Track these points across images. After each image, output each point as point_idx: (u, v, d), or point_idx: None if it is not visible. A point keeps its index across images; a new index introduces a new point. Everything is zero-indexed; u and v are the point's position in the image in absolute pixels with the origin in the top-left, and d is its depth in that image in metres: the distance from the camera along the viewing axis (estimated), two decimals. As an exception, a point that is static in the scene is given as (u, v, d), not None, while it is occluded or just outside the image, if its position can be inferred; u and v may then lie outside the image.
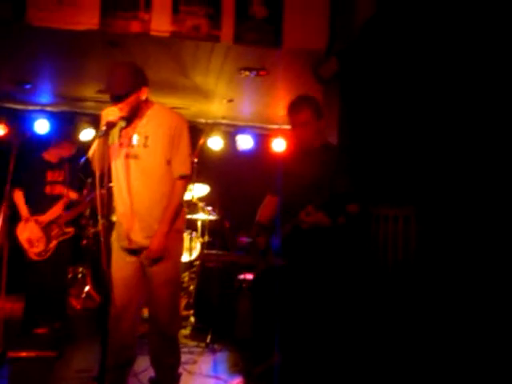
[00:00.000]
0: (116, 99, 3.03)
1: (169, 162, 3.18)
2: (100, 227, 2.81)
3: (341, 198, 2.96)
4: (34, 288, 4.87)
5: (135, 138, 3.15)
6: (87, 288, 6.03)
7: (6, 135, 6.86)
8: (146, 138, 3.13)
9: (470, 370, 2.92)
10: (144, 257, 3.18)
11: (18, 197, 4.85)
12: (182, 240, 3.45)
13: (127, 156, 3.15)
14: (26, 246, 4.78)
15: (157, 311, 3.28)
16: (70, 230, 5.04)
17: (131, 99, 3.04)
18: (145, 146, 3.13)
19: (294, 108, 3.23)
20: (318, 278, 3.11)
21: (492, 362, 2.81)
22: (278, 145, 7.32)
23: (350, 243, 3.25)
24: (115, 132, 3.13)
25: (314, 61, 4.39)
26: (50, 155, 5.06)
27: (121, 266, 3.22)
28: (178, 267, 3.43)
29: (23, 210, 4.85)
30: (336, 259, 3.13)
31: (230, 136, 7.43)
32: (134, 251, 3.23)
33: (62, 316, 5.03)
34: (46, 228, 4.86)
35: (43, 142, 5.28)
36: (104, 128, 2.94)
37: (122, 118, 3.07)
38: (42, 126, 6.83)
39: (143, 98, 3.11)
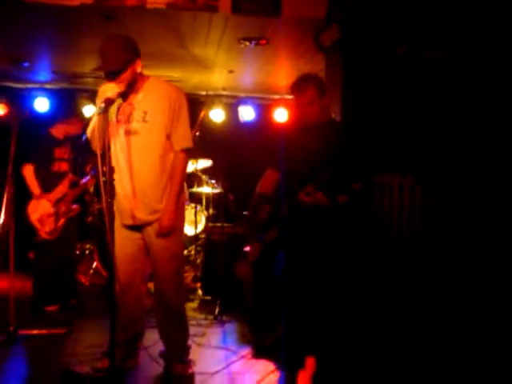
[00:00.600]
0: (111, 75, 2.98)
1: (168, 137, 3.15)
2: (104, 205, 2.78)
3: (345, 176, 2.93)
4: (43, 266, 4.89)
5: (134, 114, 3.10)
6: (95, 264, 6.07)
7: (5, 114, 6.83)
8: (145, 112, 3.09)
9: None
10: (149, 233, 3.18)
11: (29, 172, 4.77)
12: (183, 213, 3.45)
13: (126, 132, 3.11)
14: (37, 225, 4.73)
15: (162, 286, 3.30)
16: (76, 207, 5.03)
17: (127, 73, 2.98)
18: (144, 121, 3.09)
19: (298, 87, 3.17)
20: (318, 257, 3.10)
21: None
22: (280, 115, 7.28)
23: (352, 221, 3.22)
24: (112, 109, 3.09)
25: (315, 29, 4.31)
26: (57, 131, 4.96)
27: (124, 242, 3.22)
28: (182, 241, 3.44)
29: (34, 186, 4.77)
30: (336, 238, 3.11)
31: (232, 107, 7.38)
32: (137, 227, 3.23)
33: (73, 293, 5.08)
34: (55, 205, 4.83)
35: (50, 118, 5.20)
36: (103, 105, 2.88)
37: (120, 94, 3.01)
38: (41, 104, 6.81)
39: (138, 71, 3.06)
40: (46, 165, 4.86)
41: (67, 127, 5.00)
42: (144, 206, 3.16)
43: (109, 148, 2.95)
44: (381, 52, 4.04)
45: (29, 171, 4.79)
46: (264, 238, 3.25)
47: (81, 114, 6.16)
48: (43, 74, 6.55)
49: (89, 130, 3.14)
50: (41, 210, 4.76)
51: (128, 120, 3.10)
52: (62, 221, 4.86)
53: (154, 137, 3.11)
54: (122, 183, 3.15)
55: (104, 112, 2.88)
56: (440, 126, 3.79)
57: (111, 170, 2.88)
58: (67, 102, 6.82)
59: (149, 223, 3.19)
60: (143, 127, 3.09)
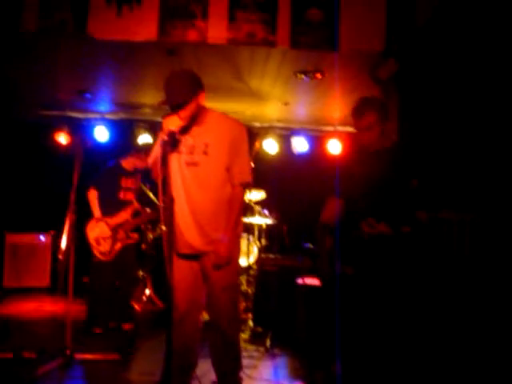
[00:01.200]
0: (175, 108, 3.06)
1: (228, 169, 3.19)
2: (162, 233, 2.84)
3: (409, 204, 2.88)
4: (97, 288, 5.05)
5: (195, 146, 3.17)
6: (148, 291, 6.15)
7: (68, 144, 7.11)
8: (206, 145, 3.15)
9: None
10: (206, 263, 3.21)
11: (93, 196, 5.07)
12: (239, 244, 3.48)
13: (187, 163, 3.18)
14: (93, 243, 4.98)
15: (217, 316, 3.30)
16: (135, 235, 5.22)
17: (190, 106, 3.06)
18: (205, 153, 3.15)
19: (357, 111, 3.13)
20: (381, 287, 3.04)
21: None
22: (334, 146, 7.26)
23: (417, 252, 3.14)
24: (175, 139, 3.17)
25: (371, 62, 4.33)
26: (127, 163, 5.24)
27: (182, 271, 3.26)
28: (237, 272, 3.45)
29: (96, 209, 5.06)
30: (400, 268, 3.05)
31: (285, 139, 7.42)
32: (194, 257, 3.27)
33: (128, 318, 5.18)
34: (114, 230, 5.04)
35: (110, 147, 5.44)
36: (165, 137, 2.98)
37: (182, 126, 3.10)
38: (101, 134, 7.05)
39: (201, 104, 3.14)
40: (112, 192, 5.11)
41: (136, 161, 5.25)
42: (201, 235, 3.20)
43: (169, 178, 3.03)
44: (439, 84, 4.01)
45: (93, 195, 5.08)
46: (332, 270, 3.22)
47: (143, 147, 6.36)
48: (104, 105, 6.80)
49: (150, 160, 3.23)
50: (98, 231, 5.01)
51: (189, 152, 3.17)
52: (118, 245, 5.03)
53: (213, 169, 3.16)
54: (181, 213, 3.21)
55: (166, 144, 2.98)
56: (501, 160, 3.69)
57: (171, 200, 2.95)
58: (125, 132, 7.07)
59: (206, 253, 3.23)
60: (204, 159, 3.15)
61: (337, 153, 7.25)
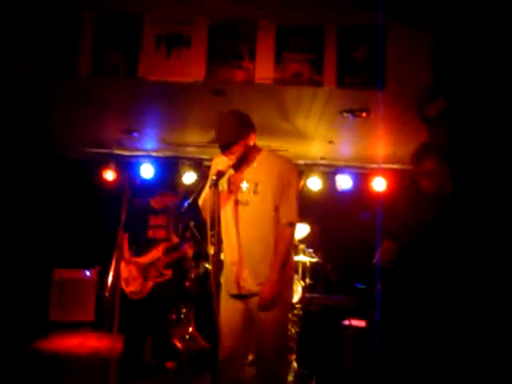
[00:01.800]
0: (224, 148, 3.10)
1: (277, 209, 3.18)
2: (211, 274, 2.84)
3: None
4: (133, 326, 5.02)
5: (245, 185, 3.18)
6: (190, 329, 6.11)
7: (114, 180, 7.27)
8: (256, 184, 3.16)
9: None
10: (255, 304, 3.17)
11: (124, 239, 5.07)
12: (291, 287, 3.42)
13: (237, 203, 3.18)
14: (123, 284, 4.99)
15: (265, 359, 3.22)
16: (168, 272, 5.21)
17: (239, 146, 3.08)
18: (255, 192, 3.15)
19: (417, 157, 3.11)
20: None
21: None
22: (378, 184, 7.19)
23: None
24: (224, 179, 3.19)
25: (419, 100, 4.28)
26: (155, 202, 5.30)
27: (229, 311, 3.22)
28: (287, 314, 3.40)
29: (125, 252, 5.09)
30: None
31: (329, 176, 7.39)
32: (242, 297, 3.23)
33: (169, 356, 5.15)
34: (145, 269, 5.06)
35: (150, 189, 5.51)
36: (214, 177, 3.00)
37: (231, 166, 3.12)
38: (147, 171, 7.17)
39: (251, 143, 3.16)
40: (141, 231, 5.16)
41: (164, 199, 5.32)
42: (250, 276, 3.17)
43: (219, 218, 3.03)
44: (487, 123, 3.93)
45: (124, 238, 5.06)
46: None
47: (178, 186, 6.40)
48: (150, 143, 6.94)
49: (200, 201, 3.26)
50: (127, 272, 5.02)
51: (239, 190, 3.18)
52: (150, 283, 5.04)
53: (263, 208, 3.15)
54: (230, 252, 3.20)
55: (215, 184, 3.00)
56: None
57: (220, 241, 2.95)
58: (171, 174, 7.18)
59: (254, 294, 3.19)
60: (254, 198, 3.15)
61: (381, 190, 7.18)
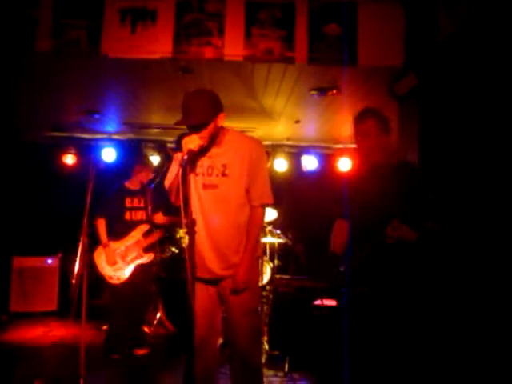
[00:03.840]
0: (195, 128, 2.96)
1: (247, 191, 3.09)
2: (178, 255, 2.74)
3: (421, 212, 2.84)
4: (116, 314, 4.92)
5: (212, 167, 3.08)
6: (159, 315, 6.00)
7: (75, 165, 7.04)
8: (224, 166, 3.05)
9: None
10: (225, 288, 3.10)
11: (101, 224, 5.00)
12: (258, 267, 3.36)
13: (204, 186, 3.08)
14: (100, 270, 4.92)
15: (239, 342, 3.17)
16: (149, 254, 5.09)
17: (210, 127, 2.96)
18: (223, 175, 3.06)
19: (358, 118, 3.15)
20: (404, 301, 2.99)
21: None
22: (344, 164, 7.19)
23: (426, 262, 3.10)
24: (192, 161, 3.06)
25: (390, 77, 4.25)
26: (131, 184, 5.17)
27: (200, 296, 3.13)
28: (258, 295, 3.35)
29: (103, 237, 4.99)
30: (418, 279, 3.01)
31: (295, 157, 7.34)
32: (212, 281, 3.16)
33: (141, 342, 5.05)
34: (124, 253, 4.95)
35: (124, 172, 5.34)
36: (186, 157, 2.87)
37: (202, 147, 3.00)
38: (109, 155, 6.96)
39: (220, 124, 3.04)
40: (118, 215, 5.02)
41: (138, 177, 5.18)
42: (220, 259, 3.10)
43: (189, 200, 2.92)
44: (459, 98, 3.93)
45: (100, 223, 5.01)
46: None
47: (147, 161, 6.20)
48: (112, 125, 6.72)
49: (167, 182, 3.13)
50: (104, 257, 4.93)
51: (207, 174, 3.08)
52: (129, 267, 4.95)
53: (232, 191, 3.06)
54: (199, 236, 3.08)
55: (186, 164, 2.87)
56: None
57: (193, 223, 2.84)
58: (133, 152, 6.98)
59: (224, 278, 3.12)
60: (222, 181, 3.05)
61: (346, 170, 7.18)
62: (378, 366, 3.00)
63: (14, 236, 6.90)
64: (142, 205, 5.08)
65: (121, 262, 4.95)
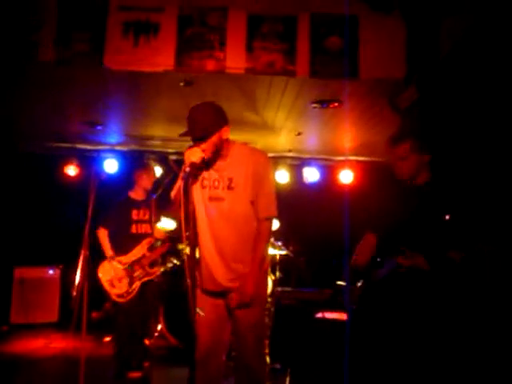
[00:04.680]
0: (198, 140, 2.97)
1: (252, 203, 3.09)
2: (185, 268, 2.73)
3: (442, 240, 2.81)
4: (125, 331, 4.80)
5: (218, 180, 3.08)
6: (160, 327, 5.98)
7: (77, 176, 7.05)
8: (230, 179, 3.06)
9: None
10: (234, 300, 3.08)
11: (103, 236, 4.84)
12: (266, 280, 3.36)
13: (210, 198, 3.08)
14: (107, 287, 4.72)
15: (244, 355, 3.16)
16: (155, 270, 4.97)
17: (213, 139, 2.96)
18: (229, 188, 3.06)
19: (392, 141, 3.11)
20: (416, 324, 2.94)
21: None
22: (345, 176, 7.20)
23: (448, 291, 3.05)
24: (197, 173, 3.07)
25: (391, 90, 4.26)
26: (136, 193, 5.03)
27: (207, 308, 3.13)
28: (265, 309, 3.33)
29: (107, 249, 4.81)
30: (434, 305, 2.94)
31: (296, 169, 7.35)
32: (218, 294, 3.14)
33: (145, 355, 5.00)
34: (130, 268, 4.79)
35: (128, 183, 5.23)
36: (188, 169, 2.88)
37: (205, 159, 3.00)
38: (111, 166, 6.97)
39: (225, 137, 3.05)
40: (124, 227, 4.87)
41: (141, 183, 5.03)
42: (227, 272, 3.09)
43: (194, 213, 2.92)
44: (461, 111, 3.93)
45: (103, 234, 4.85)
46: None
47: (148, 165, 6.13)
48: (114, 136, 6.73)
49: (172, 193, 3.14)
50: (111, 273, 4.73)
51: (213, 186, 3.08)
52: (136, 284, 4.78)
53: (238, 204, 3.06)
54: (206, 249, 3.10)
55: (188, 177, 2.88)
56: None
57: (195, 236, 2.84)
58: (135, 164, 6.97)
59: (231, 290, 3.10)
60: (228, 194, 3.05)
61: (348, 182, 7.19)
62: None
63: (15, 247, 6.90)
64: (146, 217, 4.96)
65: (127, 278, 4.76)
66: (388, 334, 2.99)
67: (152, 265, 4.94)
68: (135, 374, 4.71)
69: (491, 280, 3.28)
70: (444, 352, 3.00)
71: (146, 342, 5.78)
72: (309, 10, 3.94)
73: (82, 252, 3.99)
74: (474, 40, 3.39)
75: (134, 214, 4.92)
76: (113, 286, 4.72)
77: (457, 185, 3.48)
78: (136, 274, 4.81)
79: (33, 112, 5.45)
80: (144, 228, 4.94)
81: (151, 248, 4.93)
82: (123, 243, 4.84)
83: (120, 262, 4.78)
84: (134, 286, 4.76)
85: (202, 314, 3.01)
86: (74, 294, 3.95)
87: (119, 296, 4.72)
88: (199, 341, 3.01)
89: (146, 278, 4.86)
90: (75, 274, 4.03)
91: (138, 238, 4.88)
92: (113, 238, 4.86)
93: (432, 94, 3.95)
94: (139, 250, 4.86)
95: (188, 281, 2.69)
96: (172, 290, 6.05)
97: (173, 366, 5.14)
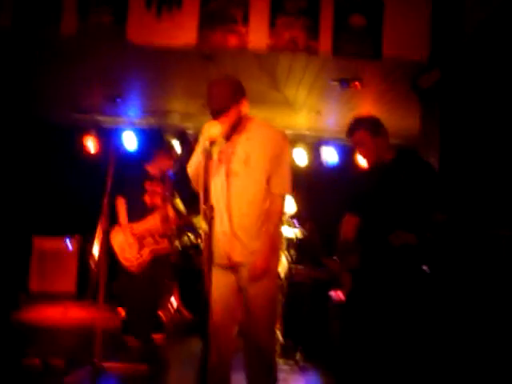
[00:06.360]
0: (217, 114, 2.97)
1: (268, 180, 3.10)
2: (203, 242, 2.76)
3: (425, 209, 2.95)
4: (130, 301, 4.93)
5: (236, 155, 3.08)
6: (175, 302, 6.05)
7: (95, 148, 7.09)
8: (248, 155, 3.05)
9: None
10: (245, 275, 3.11)
11: (121, 204, 4.93)
12: (278, 258, 3.38)
13: (227, 173, 3.08)
14: (117, 250, 4.84)
15: (255, 331, 3.18)
16: (164, 242, 5.04)
17: (232, 113, 2.96)
18: (245, 163, 3.05)
19: (348, 130, 3.32)
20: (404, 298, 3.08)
21: None
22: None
23: (439, 257, 3.17)
24: (215, 147, 3.07)
25: (414, 71, 4.20)
26: (152, 168, 5.10)
27: (218, 283, 3.13)
28: (277, 285, 3.35)
29: (123, 217, 4.92)
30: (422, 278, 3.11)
31: (314, 148, 7.32)
32: (230, 268, 3.17)
33: (158, 328, 5.08)
34: (141, 236, 4.90)
35: (146, 156, 5.30)
36: (207, 143, 2.88)
37: (223, 133, 3.00)
38: (130, 141, 7.01)
39: (244, 111, 3.05)
40: (137, 196, 4.96)
41: (158, 164, 5.11)
42: (240, 246, 3.10)
43: (209, 187, 2.93)
44: (482, 95, 3.88)
45: (121, 203, 4.94)
46: None
47: (170, 149, 6.14)
48: (133, 111, 6.75)
49: (189, 168, 3.15)
50: (122, 238, 4.86)
51: (230, 161, 3.08)
52: (146, 251, 4.88)
53: (254, 179, 3.06)
54: (219, 223, 3.10)
55: (208, 151, 2.88)
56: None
57: (211, 209, 2.85)
58: (154, 139, 7.00)
59: (243, 265, 3.13)
60: (244, 169, 3.05)
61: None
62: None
63: (34, 216, 7.00)
64: (159, 190, 5.04)
65: (137, 244, 4.87)
66: (380, 316, 3.09)
67: (163, 236, 5.02)
68: (133, 342, 4.81)
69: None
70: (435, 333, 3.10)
71: (162, 316, 5.89)
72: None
73: (101, 223, 4.04)
74: (498, 21, 3.33)
75: (148, 185, 5.00)
76: (123, 250, 4.83)
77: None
78: (146, 241, 4.90)
79: (54, 83, 5.48)
80: (157, 199, 5.02)
81: (164, 220, 5.00)
82: (137, 212, 4.93)
83: (132, 228, 4.89)
84: (142, 252, 4.86)
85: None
86: (93, 264, 4.01)
87: (127, 260, 4.82)
88: (212, 316, 3.05)
89: (154, 247, 4.94)
90: (93, 245, 4.09)
91: (151, 208, 4.98)
92: (128, 207, 4.95)
93: (455, 75, 3.89)
94: (151, 220, 4.95)
95: (204, 254, 2.72)
96: (187, 265, 6.11)
97: (186, 338, 5.22)
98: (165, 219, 5.02)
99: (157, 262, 4.95)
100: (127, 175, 5.04)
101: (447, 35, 3.82)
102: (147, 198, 4.98)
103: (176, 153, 5.92)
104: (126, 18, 3.85)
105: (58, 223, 7.06)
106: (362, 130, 3.21)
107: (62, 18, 3.81)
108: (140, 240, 4.90)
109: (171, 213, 5.14)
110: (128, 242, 4.85)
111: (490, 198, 3.39)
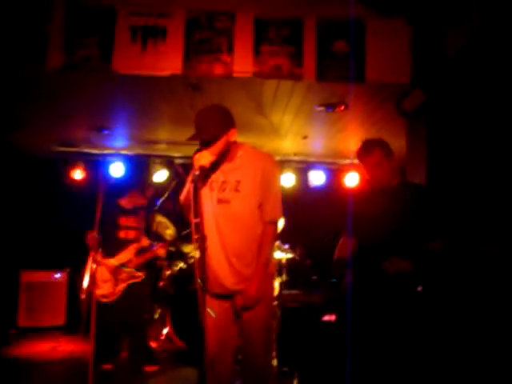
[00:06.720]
0: (206, 143, 3.00)
1: (260, 206, 3.11)
2: (195, 271, 2.76)
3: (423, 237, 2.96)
4: (103, 327, 4.79)
5: (226, 182, 3.10)
6: (166, 330, 5.99)
7: (83, 180, 7.08)
8: (238, 182, 3.08)
9: None
10: (238, 303, 3.10)
11: (93, 240, 4.72)
12: (273, 284, 3.37)
13: (218, 201, 3.11)
14: (91, 288, 4.75)
15: (252, 357, 3.17)
16: (141, 274, 4.97)
17: (221, 142, 2.99)
18: (236, 190, 3.08)
19: (365, 149, 3.29)
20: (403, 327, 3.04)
21: None
22: (351, 179, 7.21)
23: (435, 284, 3.15)
24: (205, 176, 3.09)
25: (397, 94, 4.27)
26: (125, 202, 5.10)
27: (213, 312, 3.14)
28: (272, 312, 3.34)
29: (97, 253, 4.66)
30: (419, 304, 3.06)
31: (302, 172, 7.37)
32: (225, 296, 3.16)
33: (152, 359, 5.01)
34: (115, 271, 4.86)
35: (120, 188, 5.30)
36: (197, 173, 2.90)
37: (213, 162, 3.02)
38: (117, 170, 7.00)
39: (232, 139, 3.08)
40: (112, 232, 4.92)
41: (132, 199, 5.12)
42: (233, 275, 3.11)
43: (201, 216, 2.93)
44: (468, 114, 3.94)
45: (93, 238, 4.84)
46: None
47: (146, 185, 6.14)
48: (120, 141, 6.76)
49: (181, 197, 3.17)
50: (97, 274, 4.70)
51: (221, 189, 3.10)
52: (121, 285, 4.85)
53: (245, 206, 3.09)
54: (212, 251, 3.10)
55: (197, 179, 2.90)
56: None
57: (204, 239, 2.85)
58: (139, 172, 7.00)
59: (236, 293, 3.12)
60: (235, 196, 3.07)
61: (353, 186, 7.20)
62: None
63: (22, 250, 6.93)
64: (134, 224, 5.01)
65: (113, 280, 4.85)
66: (377, 337, 3.07)
67: (138, 268, 4.96)
68: (107, 366, 4.76)
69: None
70: (433, 351, 3.08)
71: (153, 345, 5.82)
72: (315, 14, 3.96)
73: (90, 254, 4.02)
74: (479, 43, 3.40)
75: (122, 221, 4.97)
76: (98, 286, 4.74)
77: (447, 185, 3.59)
78: (121, 276, 4.87)
79: (40, 117, 5.48)
80: (132, 234, 4.98)
81: (138, 253, 4.97)
82: (111, 247, 4.90)
83: (106, 265, 4.84)
84: (118, 288, 4.83)
85: (213, 314, 3.03)
86: (83, 297, 3.98)
87: (103, 296, 4.77)
88: (208, 343, 3.02)
89: (131, 281, 4.90)
90: (82, 277, 4.06)
91: (125, 243, 4.94)
92: (101, 242, 4.87)
93: (438, 97, 3.96)
94: (126, 255, 4.91)
95: (198, 282, 2.71)
96: (178, 293, 6.06)
97: (180, 368, 5.15)
98: (139, 252, 4.98)
99: (132, 288, 4.90)
100: (102, 211, 4.99)
101: (428, 59, 3.89)
102: (121, 234, 4.96)
103: (152, 190, 5.89)
104: (112, 50, 3.87)
105: (45, 256, 7.00)
106: (379, 150, 3.21)
107: (48, 54, 3.82)
108: (115, 275, 4.87)
109: (146, 243, 5.08)
110: (103, 277, 4.81)
111: (477, 216, 3.42)
